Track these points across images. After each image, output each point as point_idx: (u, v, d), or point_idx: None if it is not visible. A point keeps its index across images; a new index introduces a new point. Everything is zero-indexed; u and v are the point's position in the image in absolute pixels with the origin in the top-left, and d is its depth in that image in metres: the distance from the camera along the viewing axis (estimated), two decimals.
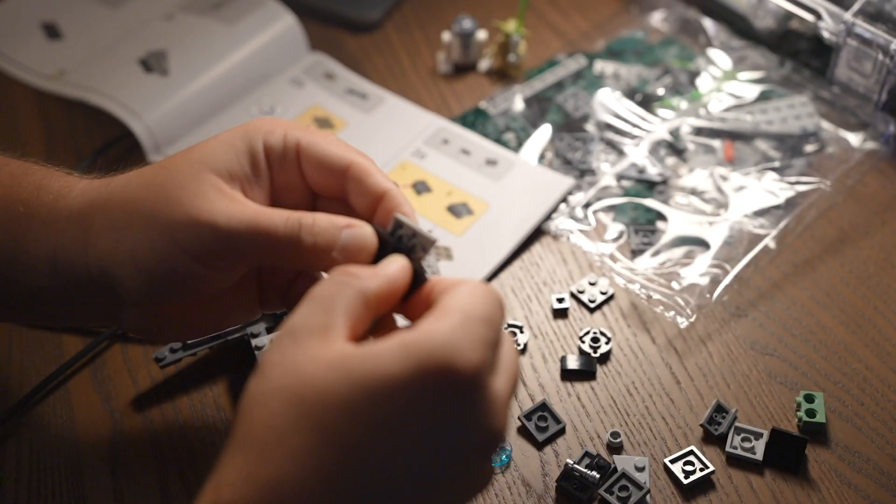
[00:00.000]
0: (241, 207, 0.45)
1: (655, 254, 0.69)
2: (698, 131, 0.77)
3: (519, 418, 0.60)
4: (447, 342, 0.37)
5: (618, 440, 0.59)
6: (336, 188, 0.48)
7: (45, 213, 0.48)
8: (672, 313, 0.65)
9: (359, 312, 0.40)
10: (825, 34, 0.77)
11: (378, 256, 0.45)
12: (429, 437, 0.38)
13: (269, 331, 0.62)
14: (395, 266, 0.43)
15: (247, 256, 0.46)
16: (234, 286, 0.50)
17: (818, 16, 0.76)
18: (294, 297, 0.50)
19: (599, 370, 0.63)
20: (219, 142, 0.47)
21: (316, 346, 0.38)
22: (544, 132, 0.78)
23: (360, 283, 0.41)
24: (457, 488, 0.40)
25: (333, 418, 0.37)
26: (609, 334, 0.64)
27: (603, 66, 0.83)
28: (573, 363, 0.63)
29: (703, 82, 0.81)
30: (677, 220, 0.71)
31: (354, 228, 0.45)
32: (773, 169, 0.74)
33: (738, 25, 0.84)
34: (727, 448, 0.58)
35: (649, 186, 0.73)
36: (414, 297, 0.44)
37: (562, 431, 0.60)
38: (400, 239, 0.45)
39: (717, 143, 0.76)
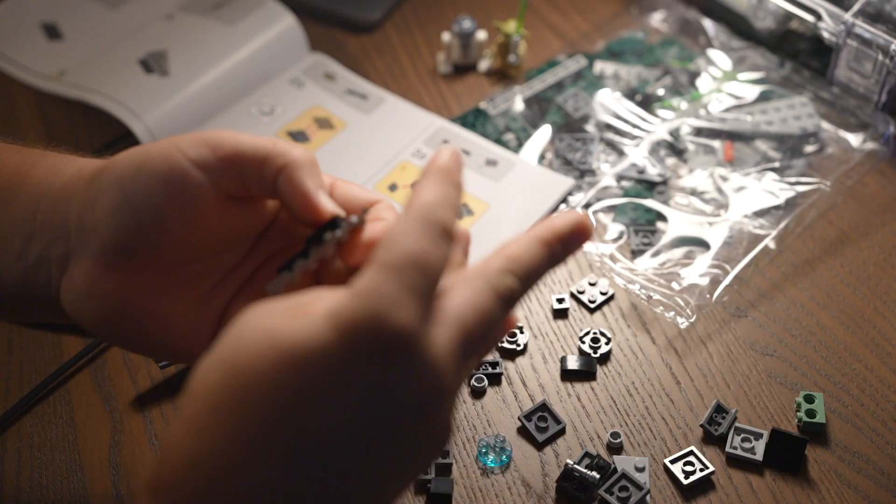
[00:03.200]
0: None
1: (655, 254, 0.69)
2: (698, 132, 0.77)
3: (519, 418, 0.60)
4: (373, 303, 0.35)
5: (618, 440, 0.59)
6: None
7: (49, 165, 0.48)
8: (672, 314, 0.65)
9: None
10: (825, 35, 0.77)
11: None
12: (361, 405, 0.36)
13: None
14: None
15: (248, 165, 0.45)
16: (196, 304, 0.48)
17: (818, 16, 0.76)
18: None
19: (599, 370, 0.63)
20: None
21: (266, 320, 0.37)
22: (544, 133, 0.78)
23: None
24: (410, 450, 0.38)
25: (257, 391, 0.35)
26: (609, 335, 0.64)
27: (603, 67, 0.83)
28: (573, 363, 0.63)
29: (703, 83, 0.81)
30: (677, 221, 0.71)
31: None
32: (773, 169, 0.74)
33: (738, 26, 0.84)
34: (727, 448, 0.58)
35: (649, 187, 0.73)
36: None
37: (562, 432, 0.60)
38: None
39: (717, 144, 0.76)
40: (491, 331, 0.39)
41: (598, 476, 0.56)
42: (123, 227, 0.45)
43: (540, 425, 0.59)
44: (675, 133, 0.77)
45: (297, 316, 0.37)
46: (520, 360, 0.64)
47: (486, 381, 0.62)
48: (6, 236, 0.47)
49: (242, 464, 0.36)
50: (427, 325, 0.36)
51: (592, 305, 0.66)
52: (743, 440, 0.58)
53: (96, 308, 0.46)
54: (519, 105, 0.80)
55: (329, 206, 0.46)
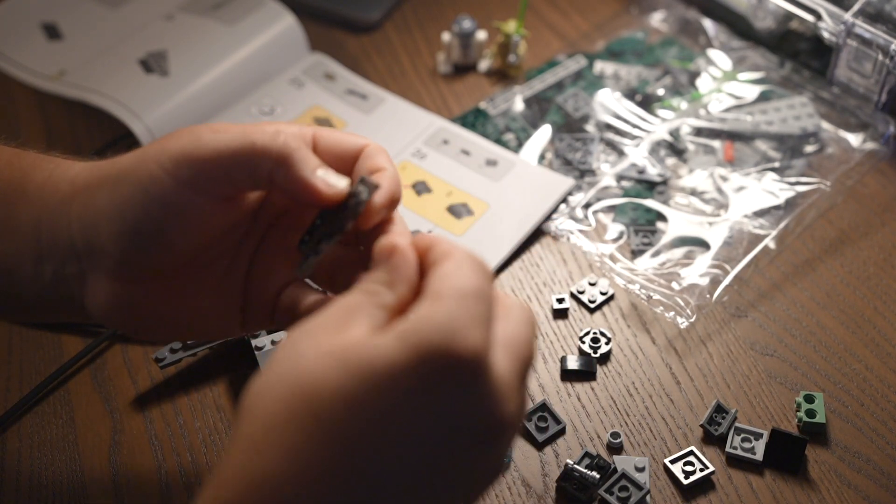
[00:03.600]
0: (229, 127, 0.45)
1: (655, 254, 0.69)
2: (698, 132, 0.77)
3: None
4: (444, 325, 0.36)
5: (618, 440, 0.59)
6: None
7: (42, 179, 0.48)
8: (672, 314, 0.65)
9: (381, 320, 0.39)
10: (825, 35, 0.77)
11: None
12: (432, 426, 0.37)
13: (270, 331, 0.62)
14: (414, 267, 0.41)
15: (234, 172, 0.45)
16: (216, 289, 0.49)
17: (818, 16, 0.76)
18: (282, 311, 0.49)
19: (599, 370, 0.63)
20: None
21: (323, 339, 0.37)
22: (544, 133, 0.78)
23: (387, 297, 0.40)
24: (467, 478, 0.39)
25: (330, 410, 0.36)
26: (609, 335, 0.64)
27: (603, 67, 0.83)
28: (573, 363, 0.63)
29: (703, 83, 0.81)
30: (677, 221, 0.71)
31: (323, 170, 0.45)
32: (773, 169, 0.74)
33: (738, 26, 0.84)
34: (727, 448, 0.58)
35: (649, 187, 0.73)
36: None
37: (562, 432, 0.60)
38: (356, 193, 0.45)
39: (716, 144, 0.76)
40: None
41: (598, 476, 0.56)
42: (130, 248, 0.45)
43: (540, 425, 0.59)
44: (675, 133, 0.77)
45: (351, 331, 0.37)
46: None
47: None
48: (13, 255, 0.48)
49: (314, 483, 0.36)
50: (490, 352, 0.38)
51: (592, 305, 0.66)
52: (743, 440, 0.58)
53: (126, 316, 0.48)
54: (519, 105, 0.80)
55: (336, 189, 0.45)
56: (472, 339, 0.36)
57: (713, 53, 0.83)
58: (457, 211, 0.72)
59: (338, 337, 0.37)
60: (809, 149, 0.76)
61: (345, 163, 0.48)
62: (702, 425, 0.59)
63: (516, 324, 0.40)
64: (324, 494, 0.36)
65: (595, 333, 0.64)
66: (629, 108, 0.79)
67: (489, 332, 0.38)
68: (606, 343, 0.64)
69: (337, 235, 0.45)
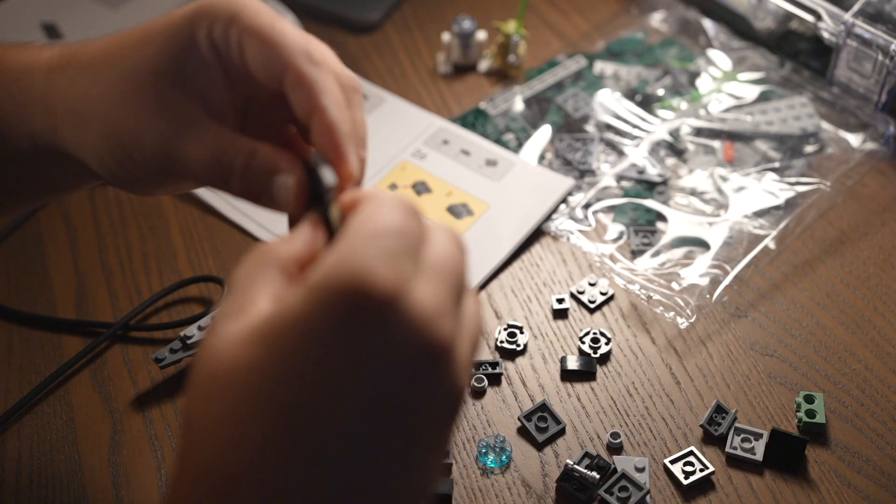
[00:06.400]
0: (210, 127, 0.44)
1: (655, 254, 0.69)
2: (698, 132, 0.77)
3: (519, 419, 0.60)
4: (350, 264, 0.34)
5: (618, 441, 0.59)
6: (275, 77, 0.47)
7: (18, 97, 0.48)
8: (672, 314, 0.65)
9: (280, 283, 0.37)
10: (825, 35, 0.77)
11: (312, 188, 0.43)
12: (360, 370, 0.34)
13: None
14: (308, 226, 0.40)
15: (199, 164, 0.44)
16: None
17: (818, 16, 0.77)
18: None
19: (599, 371, 0.63)
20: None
21: (232, 327, 0.36)
22: (544, 133, 0.78)
23: (275, 256, 0.38)
24: (422, 412, 0.36)
25: (247, 390, 0.34)
26: (609, 335, 0.64)
27: (603, 67, 0.83)
28: (573, 364, 0.63)
29: (703, 83, 0.81)
30: (677, 221, 0.71)
31: (282, 176, 0.43)
32: (773, 169, 0.74)
33: (737, 26, 0.84)
34: (727, 449, 0.58)
35: (649, 187, 0.73)
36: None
37: (562, 432, 0.60)
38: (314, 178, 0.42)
39: (716, 144, 0.76)
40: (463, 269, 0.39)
41: (597, 476, 0.56)
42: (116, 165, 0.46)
43: (540, 425, 0.60)
44: (675, 133, 0.77)
45: (255, 307, 0.36)
46: (520, 360, 0.64)
47: (486, 382, 0.62)
48: (25, 157, 0.49)
49: (253, 467, 0.34)
50: (410, 283, 0.35)
51: (592, 305, 0.66)
52: (743, 440, 0.58)
53: (126, 183, 0.48)
54: (519, 105, 0.80)
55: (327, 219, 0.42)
56: (381, 275, 0.34)
57: (713, 53, 0.83)
58: (457, 211, 0.72)
59: (243, 319, 0.36)
60: (809, 149, 0.76)
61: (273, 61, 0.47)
62: (702, 425, 0.59)
63: (441, 245, 0.38)
64: (267, 470, 0.34)
65: (595, 334, 0.64)
66: (629, 109, 0.79)
67: (408, 266, 0.35)
68: (606, 343, 0.64)
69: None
